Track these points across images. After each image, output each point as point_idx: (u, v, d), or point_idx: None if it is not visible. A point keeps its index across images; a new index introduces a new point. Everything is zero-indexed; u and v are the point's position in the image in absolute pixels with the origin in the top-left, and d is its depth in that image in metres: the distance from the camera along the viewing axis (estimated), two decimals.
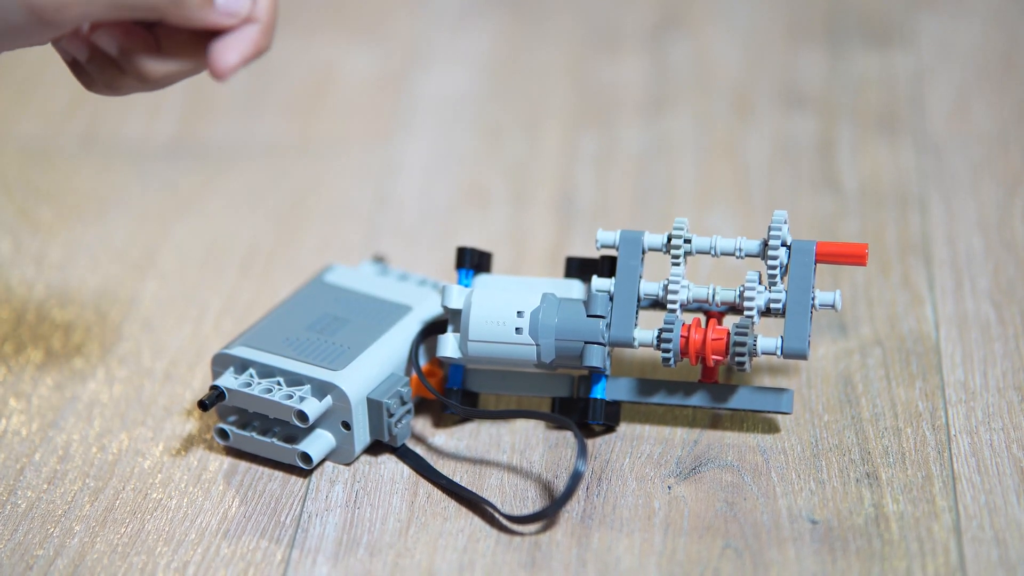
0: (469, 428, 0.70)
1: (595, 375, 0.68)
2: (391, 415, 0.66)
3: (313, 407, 0.65)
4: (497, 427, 0.69)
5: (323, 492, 0.66)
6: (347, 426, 0.66)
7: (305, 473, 0.67)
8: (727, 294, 0.67)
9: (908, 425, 0.68)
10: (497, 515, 0.65)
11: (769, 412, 0.68)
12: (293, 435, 0.67)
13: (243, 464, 0.68)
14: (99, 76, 0.61)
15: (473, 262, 0.70)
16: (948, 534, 0.63)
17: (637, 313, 0.67)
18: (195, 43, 0.60)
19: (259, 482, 0.67)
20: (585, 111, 0.93)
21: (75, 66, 0.61)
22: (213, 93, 0.95)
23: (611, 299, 0.67)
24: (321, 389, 0.66)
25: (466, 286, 0.69)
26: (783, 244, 0.67)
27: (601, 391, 0.68)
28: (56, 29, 0.57)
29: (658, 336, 0.66)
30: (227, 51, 0.59)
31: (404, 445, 0.68)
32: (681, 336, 0.66)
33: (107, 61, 0.61)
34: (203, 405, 0.66)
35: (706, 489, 0.65)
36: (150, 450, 0.69)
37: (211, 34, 0.60)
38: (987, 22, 0.97)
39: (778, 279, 0.67)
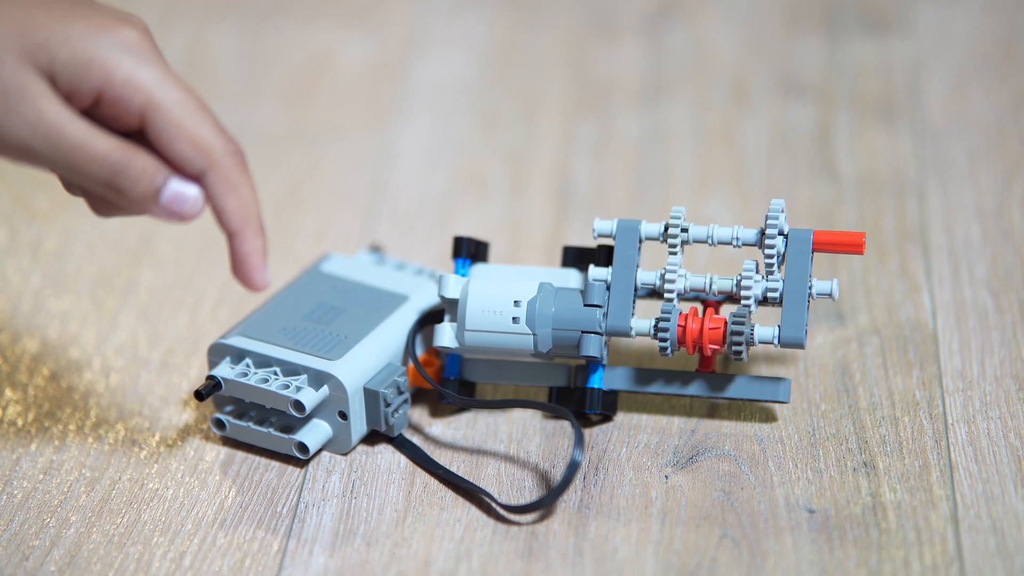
0: (466, 418, 0.69)
1: (592, 364, 0.68)
2: (388, 405, 0.66)
3: (310, 397, 0.65)
4: (494, 417, 0.69)
5: (320, 482, 0.66)
6: (344, 416, 0.66)
7: (302, 463, 0.67)
8: (724, 283, 0.67)
9: (905, 414, 0.68)
10: (494, 505, 0.65)
11: (766, 401, 0.67)
12: (290, 425, 0.67)
13: (240, 454, 0.68)
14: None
15: (470, 251, 0.70)
16: (945, 523, 0.63)
17: (634, 302, 0.67)
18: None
19: (256, 472, 0.67)
20: (583, 99, 0.93)
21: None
22: (210, 80, 0.95)
23: (608, 288, 0.67)
24: (318, 379, 0.66)
25: (463, 275, 0.69)
26: (780, 233, 0.66)
27: (598, 380, 0.68)
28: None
29: (655, 325, 0.66)
30: (251, 274, 0.59)
31: (401, 435, 0.68)
32: (678, 325, 0.66)
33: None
34: (199, 395, 0.66)
35: (703, 478, 0.65)
36: (146, 440, 0.69)
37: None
38: (985, 9, 0.97)
39: (775, 268, 0.66)
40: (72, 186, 0.59)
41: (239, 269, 0.58)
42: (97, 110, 0.56)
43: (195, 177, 0.57)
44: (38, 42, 0.55)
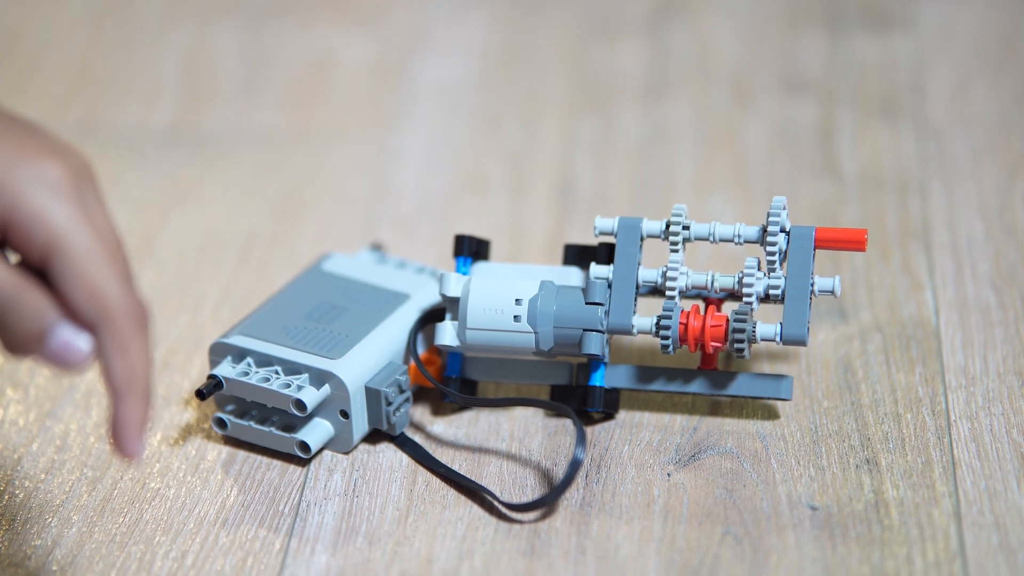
0: (468, 416, 0.69)
1: (594, 363, 0.68)
2: (389, 403, 0.66)
3: (311, 396, 0.65)
4: (496, 415, 0.69)
5: (321, 481, 0.66)
6: (345, 415, 0.66)
7: (303, 462, 0.67)
8: (726, 280, 0.67)
9: (908, 411, 0.68)
10: (496, 503, 0.64)
11: (768, 399, 0.67)
12: (291, 424, 0.67)
13: (241, 453, 0.67)
14: None
15: (471, 250, 0.70)
16: (948, 520, 0.63)
17: (636, 300, 0.67)
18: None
19: (257, 471, 0.67)
20: (584, 98, 0.93)
21: None
22: (211, 81, 0.95)
23: (609, 286, 0.67)
24: (319, 378, 0.66)
25: (464, 274, 0.69)
26: (782, 230, 0.66)
27: (600, 379, 0.68)
28: None
29: (657, 323, 0.66)
30: (124, 442, 0.54)
31: (403, 434, 0.68)
32: (680, 323, 0.66)
33: None
34: (201, 394, 0.66)
35: (705, 476, 0.65)
36: (148, 439, 0.69)
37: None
38: (988, 6, 0.97)
39: (777, 265, 0.66)
40: None
41: (114, 434, 0.54)
42: (6, 240, 0.53)
43: (88, 329, 0.53)
44: None
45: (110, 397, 0.53)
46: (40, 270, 0.53)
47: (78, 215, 0.52)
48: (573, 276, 0.69)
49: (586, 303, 0.66)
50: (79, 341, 0.53)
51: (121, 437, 0.53)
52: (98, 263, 0.52)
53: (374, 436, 0.68)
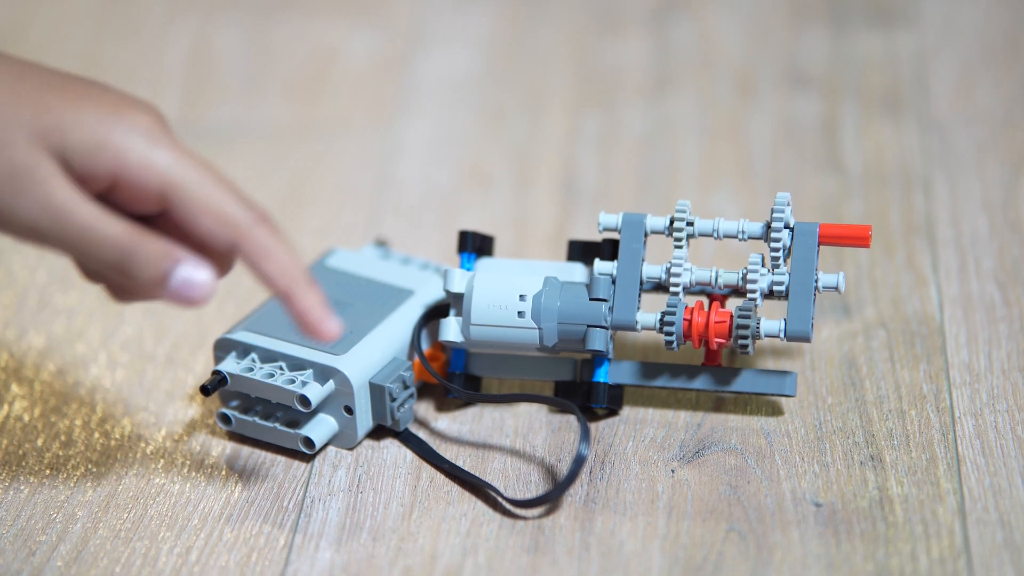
0: (472, 412, 0.69)
1: (598, 359, 0.68)
2: (394, 399, 0.66)
3: (315, 392, 0.65)
4: (500, 411, 0.69)
5: (326, 477, 0.66)
6: (349, 411, 0.66)
7: (308, 458, 0.67)
8: (730, 277, 0.67)
9: (912, 407, 0.68)
10: (500, 499, 0.65)
11: (773, 395, 0.67)
12: (295, 420, 0.67)
13: (245, 449, 0.68)
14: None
15: (475, 246, 0.70)
16: (953, 516, 0.63)
17: (640, 296, 0.67)
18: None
19: (262, 467, 0.67)
20: (587, 93, 0.93)
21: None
22: (215, 74, 0.95)
23: (613, 282, 0.67)
24: (323, 374, 0.66)
25: (468, 270, 0.69)
26: (786, 226, 0.66)
27: (604, 375, 0.68)
28: (3, 234, 0.56)
29: (661, 319, 0.66)
30: (318, 327, 0.57)
31: (407, 430, 0.68)
32: (684, 319, 0.66)
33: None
34: (205, 390, 0.66)
35: (710, 472, 0.65)
36: (153, 435, 0.69)
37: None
38: (992, 1, 0.97)
39: (781, 261, 0.66)
40: (90, 273, 0.59)
41: (302, 327, 0.57)
42: (114, 194, 0.56)
43: (228, 250, 0.57)
44: (50, 124, 0.55)
45: (281, 300, 0.57)
46: (156, 218, 0.57)
47: (180, 154, 0.56)
48: (577, 272, 0.69)
49: (590, 299, 0.66)
50: (199, 275, 0.56)
51: (312, 326, 0.57)
52: (214, 190, 0.56)
53: (378, 432, 0.68)
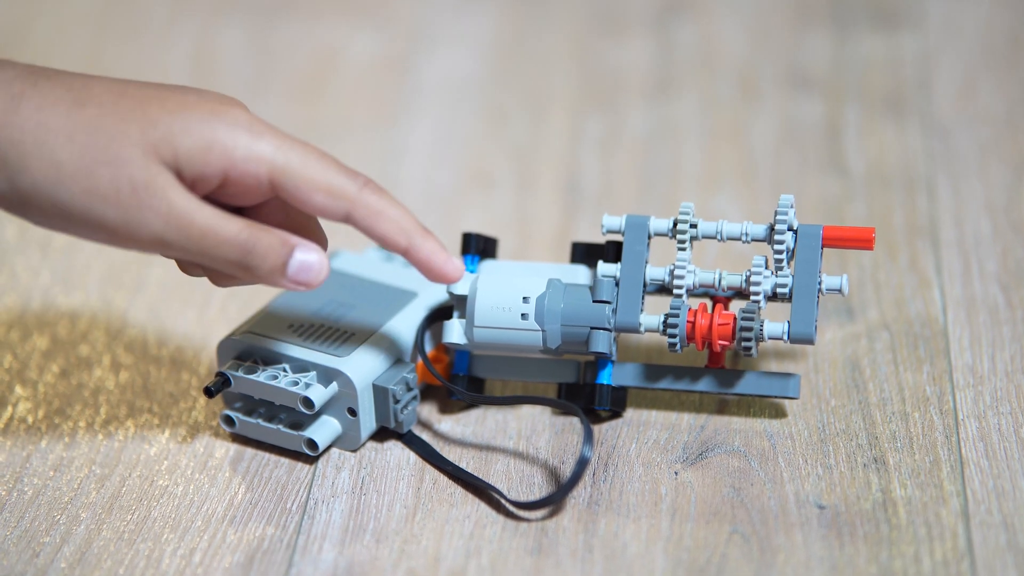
0: (475, 414, 0.69)
1: (601, 361, 0.68)
2: (397, 401, 0.66)
3: (319, 394, 0.65)
4: (503, 413, 0.69)
5: (329, 479, 0.66)
6: (353, 412, 0.66)
7: (311, 460, 0.67)
8: (733, 279, 0.67)
9: (916, 410, 0.68)
10: (503, 501, 0.65)
11: (776, 397, 0.67)
12: (299, 422, 0.67)
13: (249, 451, 0.68)
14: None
15: (479, 248, 0.70)
16: (956, 519, 0.63)
17: (643, 298, 0.67)
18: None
19: (265, 469, 0.67)
20: (590, 94, 0.93)
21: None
22: (217, 76, 0.95)
23: (617, 284, 0.67)
24: (327, 375, 0.66)
25: (472, 272, 0.69)
26: (789, 228, 0.66)
27: (607, 377, 0.68)
28: (125, 248, 0.58)
29: (664, 321, 0.66)
30: (442, 270, 0.61)
31: (410, 431, 0.68)
32: (687, 321, 0.66)
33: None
34: (209, 392, 0.66)
35: (713, 475, 0.65)
36: (156, 437, 0.69)
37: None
38: (994, 3, 0.97)
39: (784, 264, 0.66)
40: (191, 266, 0.62)
41: (429, 274, 0.61)
42: (224, 189, 0.59)
43: (342, 220, 0.60)
44: (159, 136, 0.57)
45: (404, 254, 0.61)
46: (252, 208, 0.60)
47: (281, 139, 0.59)
48: (580, 274, 0.69)
49: (593, 301, 0.66)
50: (312, 257, 0.59)
51: (437, 271, 0.61)
52: (318, 166, 0.59)
53: (382, 434, 0.68)
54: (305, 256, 0.59)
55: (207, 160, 0.57)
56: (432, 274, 0.61)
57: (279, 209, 0.61)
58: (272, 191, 0.59)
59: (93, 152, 0.56)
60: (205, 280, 0.78)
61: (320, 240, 0.62)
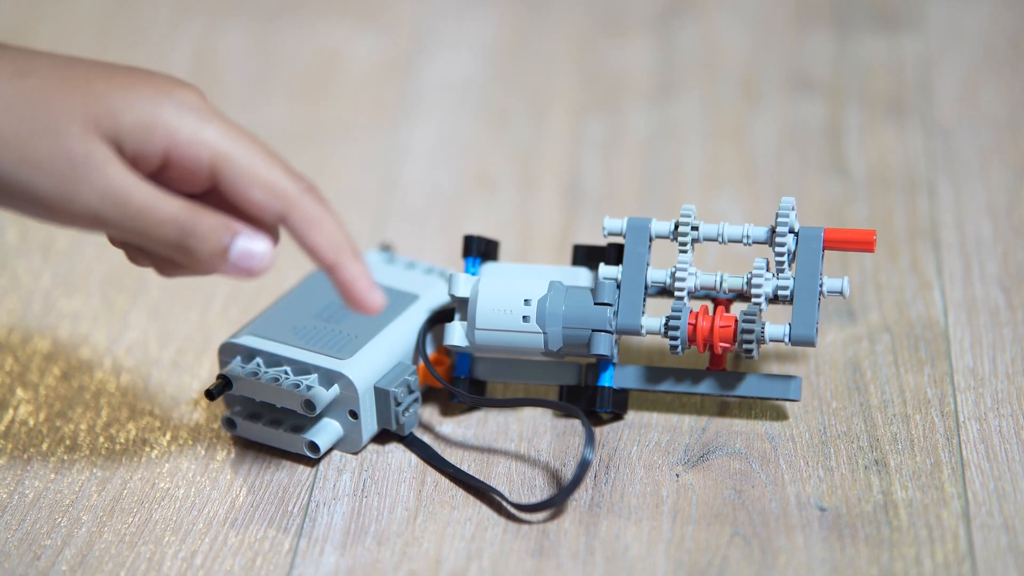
0: (476, 416, 0.69)
1: (602, 363, 0.68)
2: (398, 404, 0.66)
3: (320, 396, 0.65)
4: (505, 415, 0.69)
5: (331, 481, 0.66)
6: (354, 415, 0.66)
7: (312, 462, 0.67)
8: (735, 281, 0.67)
9: (917, 412, 0.68)
10: (505, 503, 0.65)
11: (777, 399, 0.67)
12: (300, 424, 0.67)
13: (250, 453, 0.68)
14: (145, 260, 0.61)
15: (480, 250, 0.70)
16: (957, 521, 0.63)
17: (644, 301, 0.67)
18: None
19: (266, 471, 0.67)
20: (592, 96, 0.93)
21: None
22: (219, 78, 0.95)
23: (618, 287, 0.67)
24: (328, 378, 0.66)
25: (473, 274, 0.69)
26: (791, 231, 0.66)
27: (609, 379, 0.68)
28: (61, 225, 0.57)
29: (666, 324, 0.66)
30: (363, 299, 0.57)
31: (411, 434, 0.68)
32: (689, 323, 0.66)
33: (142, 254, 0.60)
34: (210, 394, 0.66)
35: (714, 477, 0.65)
36: (157, 439, 0.69)
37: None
38: (995, 5, 0.97)
39: (786, 266, 0.66)
40: (138, 256, 0.60)
41: (348, 299, 0.58)
42: (165, 173, 0.57)
43: (276, 221, 0.57)
44: (101, 110, 0.56)
45: (327, 271, 0.57)
46: (202, 196, 0.57)
47: (227, 128, 0.57)
48: (582, 276, 0.69)
49: (595, 303, 0.66)
50: (257, 246, 0.57)
51: (356, 297, 0.57)
52: (262, 161, 0.57)
53: (383, 436, 0.68)
54: (248, 243, 0.56)
55: (149, 139, 0.56)
56: (351, 299, 0.57)
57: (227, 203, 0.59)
58: (211, 180, 0.57)
59: (30, 123, 0.55)
60: (206, 282, 0.79)
61: (272, 234, 0.59)
